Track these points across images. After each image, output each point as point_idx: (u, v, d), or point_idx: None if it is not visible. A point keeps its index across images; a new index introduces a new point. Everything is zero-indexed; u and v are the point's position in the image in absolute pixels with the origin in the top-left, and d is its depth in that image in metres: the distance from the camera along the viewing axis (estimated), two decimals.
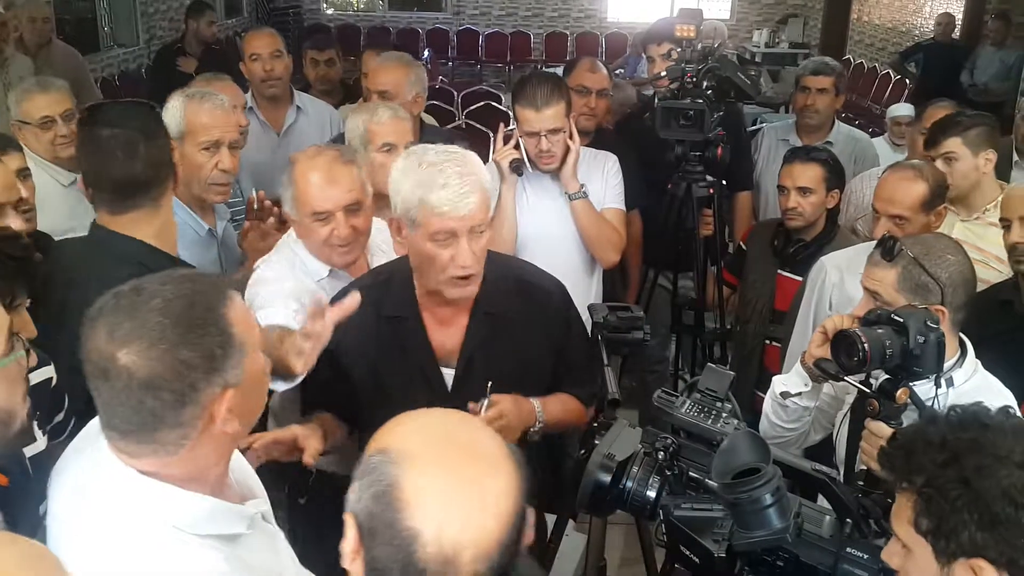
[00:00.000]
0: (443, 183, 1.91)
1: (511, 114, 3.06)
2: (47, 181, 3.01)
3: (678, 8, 3.32)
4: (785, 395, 2.12)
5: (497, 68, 13.59)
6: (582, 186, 2.99)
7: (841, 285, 2.77)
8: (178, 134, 2.54)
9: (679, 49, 3.16)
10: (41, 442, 1.82)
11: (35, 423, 1.81)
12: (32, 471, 1.65)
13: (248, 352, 1.28)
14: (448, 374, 2.11)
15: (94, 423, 1.31)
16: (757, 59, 11.51)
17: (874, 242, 2.21)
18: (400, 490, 1.02)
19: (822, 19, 13.15)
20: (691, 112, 3.06)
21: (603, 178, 3.11)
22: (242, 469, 1.51)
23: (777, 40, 13.03)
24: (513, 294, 2.12)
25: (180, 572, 1.25)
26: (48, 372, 1.91)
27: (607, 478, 1.56)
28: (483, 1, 14.19)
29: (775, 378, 2.25)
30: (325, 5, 14.49)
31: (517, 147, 2.95)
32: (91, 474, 1.28)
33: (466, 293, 2.03)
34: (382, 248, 2.45)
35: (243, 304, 1.33)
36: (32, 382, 1.83)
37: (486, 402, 1.93)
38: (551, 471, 3.20)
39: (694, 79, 3.10)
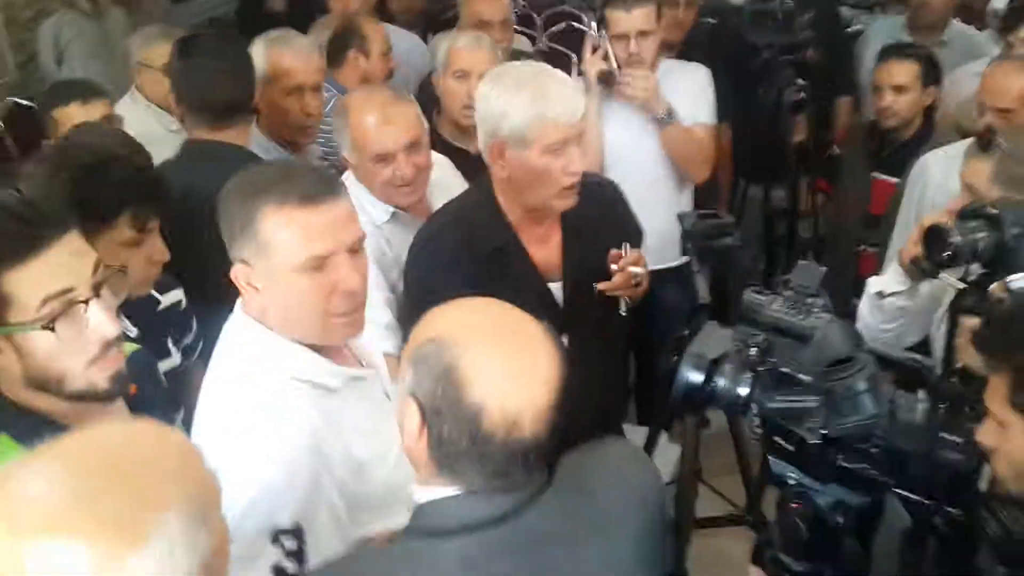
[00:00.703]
0: (552, 95, 1.97)
1: (596, 31, 3.04)
2: (154, 127, 3.15)
3: None
4: (881, 294, 2.11)
5: None
6: (669, 109, 2.95)
7: (944, 183, 2.70)
8: (263, 78, 2.62)
9: None
10: (176, 357, 1.98)
11: (169, 340, 1.96)
12: (168, 383, 1.80)
13: (275, 257, 1.48)
14: (555, 288, 2.16)
15: None
16: None
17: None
18: (460, 370, 1.13)
19: None
20: (780, 14, 3.00)
21: (694, 92, 3.06)
22: (367, 347, 1.71)
23: None
24: (583, 198, 2.14)
25: (266, 400, 1.48)
26: (178, 295, 2.06)
27: (699, 377, 1.59)
28: None
29: (871, 278, 2.24)
30: None
31: (606, 58, 2.92)
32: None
33: (572, 202, 2.09)
34: (441, 184, 2.46)
35: (296, 219, 1.47)
36: (164, 304, 1.98)
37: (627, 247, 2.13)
38: (641, 386, 3.27)
39: None
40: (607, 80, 2.92)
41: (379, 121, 2.25)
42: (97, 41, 5.27)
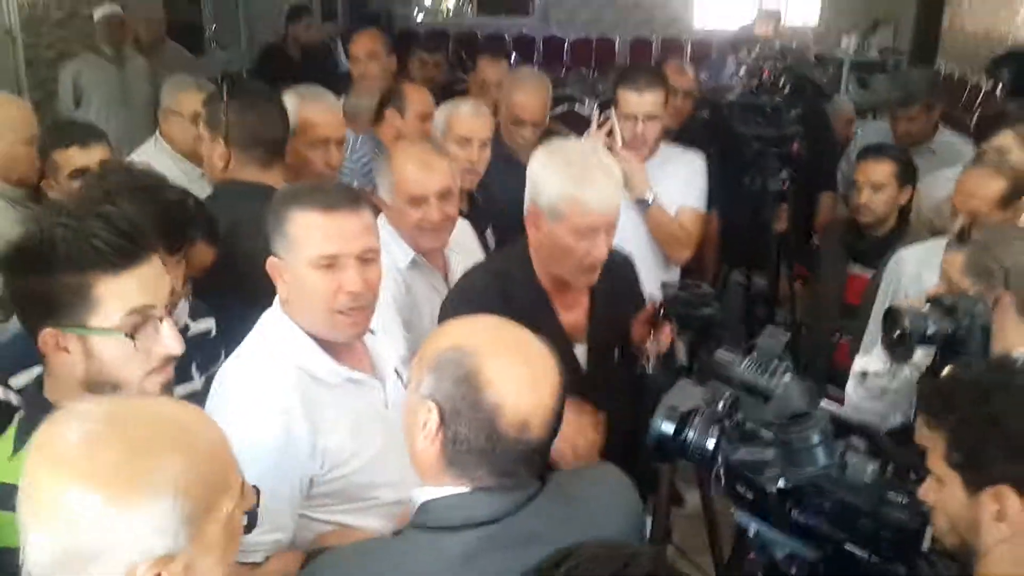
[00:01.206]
0: (593, 182, 2.06)
1: (593, 117, 3.21)
2: (176, 174, 3.26)
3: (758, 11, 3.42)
4: (865, 374, 2.24)
5: (581, 74, 13.75)
6: (651, 193, 3.08)
7: (918, 278, 2.84)
8: (291, 130, 2.76)
9: (757, 48, 3.30)
10: (197, 383, 2.09)
11: (194, 365, 2.08)
12: None
13: (298, 252, 1.74)
14: (579, 352, 2.29)
15: None
16: (845, 65, 11.44)
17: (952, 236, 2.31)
18: (481, 374, 1.28)
19: (913, 25, 12.94)
20: (767, 108, 3.19)
21: (688, 177, 3.21)
22: (387, 358, 1.92)
23: (867, 46, 12.88)
24: (611, 270, 2.28)
25: (257, 375, 1.72)
26: (209, 324, 2.18)
27: (671, 428, 1.72)
28: (569, 7, 14.38)
29: (857, 358, 2.38)
30: (416, 10, 14.88)
31: (610, 134, 3.08)
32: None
33: (590, 281, 2.21)
34: (459, 242, 2.62)
35: (318, 222, 1.73)
36: (193, 331, 2.11)
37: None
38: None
39: (771, 77, 3.23)
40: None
41: (418, 167, 2.44)
42: (117, 86, 5.47)
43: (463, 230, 2.70)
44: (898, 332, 1.81)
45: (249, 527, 1.53)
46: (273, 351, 1.77)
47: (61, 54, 6.68)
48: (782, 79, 3.24)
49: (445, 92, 4.83)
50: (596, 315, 2.30)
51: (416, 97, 3.50)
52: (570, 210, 2.06)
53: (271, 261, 1.78)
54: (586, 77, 13.45)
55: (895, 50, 12.82)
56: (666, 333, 2.27)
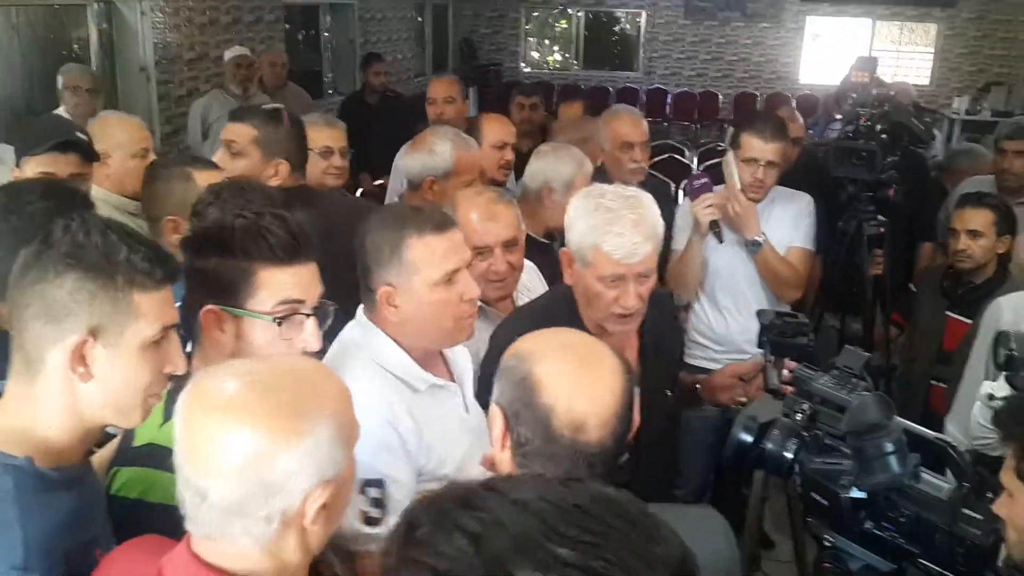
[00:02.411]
0: (619, 232, 1.99)
1: (693, 166, 3.30)
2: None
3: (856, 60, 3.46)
4: (991, 396, 2.27)
5: (683, 126, 13.87)
6: (763, 235, 3.15)
7: (1016, 325, 2.82)
8: (444, 173, 2.99)
9: (854, 95, 3.36)
10: None
11: None
12: None
13: (418, 274, 1.82)
14: None
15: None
16: (957, 126, 11.22)
17: None
18: (534, 376, 1.33)
19: None
20: (863, 152, 3.23)
21: (796, 217, 3.26)
22: (463, 366, 2.03)
23: (979, 108, 12.61)
24: (658, 310, 2.26)
25: (367, 383, 1.77)
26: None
27: (749, 438, 1.79)
28: (674, 62, 14.55)
29: (984, 382, 2.40)
30: (523, 64, 15.30)
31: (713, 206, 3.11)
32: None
33: (626, 330, 2.13)
34: (528, 287, 2.63)
35: (435, 244, 1.84)
36: None
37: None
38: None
39: (868, 122, 3.28)
40: (717, 235, 3.12)
41: (483, 216, 2.39)
42: None
43: (530, 271, 2.69)
44: (1006, 355, 1.86)
45: (380, 521, 1.69)
46: (368, 361, 1.86)
47: (191, 91, 7.18)
48: (878, 125, 3.27)
49: (543, 133, 5.05)
50: (646, 358, 2.23)
51: (492, 127, 3.61)
52: (594, 258, 2.03)
53: (383, 290, 1.84)
54: (688, 128, 13.58)
55: (1008, 112, 12.53)
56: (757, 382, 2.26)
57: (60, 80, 4.77)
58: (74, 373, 1.28)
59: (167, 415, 1.53)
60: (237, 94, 5.90)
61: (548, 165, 3.11)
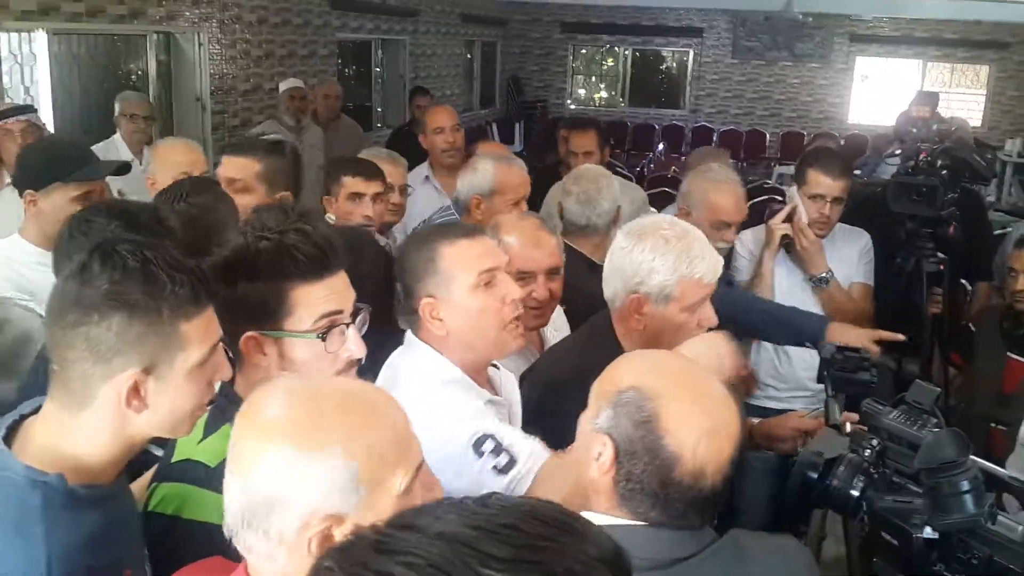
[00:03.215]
0: (700, 255, 2.02)
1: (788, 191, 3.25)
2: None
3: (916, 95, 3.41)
4: None
5: (729, 163, 13.81)
6: (829, 271, 3.15)
7: None
8: (488, 191, 2.99)
9: (914, 130, 3.30)
10: None
11: None
12: None
13: (455, 280, 1.82)
14: None
15: None
16: (1010, 168, 11.03)
17: None
18: (661, 420, 1.29)
19: None
20: (924, 187, 3.18)
21: (857, 254, 3.28)
22: (510, 387, 2.01)
23: None
24: None
25: (431, 395, 1.78)
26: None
27: (814, 474, 1.74)
28: (720, 100, 14.55)
29: None
30: (569, 100, 15.39)
31: (789, 219, 3.14)
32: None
33: None
34: (554, 320, 2.57)
35: (466, 248, 1.85)
36: None
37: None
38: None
39: (928, 158, 3.22)
40: (788, 246, 3.13)
41: (528, 242, 2.36)
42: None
43: (557, 310, 2.65)
44: None
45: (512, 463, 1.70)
46: (425, 377, 1.83)
47: (244, 122, 7.32)
48: (939, 160, 3.21)
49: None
50: None
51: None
52: (683, 290, 2.01)
53: (424, 302, 1.83)
54: (734, 166, 13.51)
55: None
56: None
57: (117, 107, 4.88)
58: (129, 408, 1.27)
59: (207, 431, 1.53)
60: (291, 125, 5.98)
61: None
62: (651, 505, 1.31)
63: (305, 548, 1.07)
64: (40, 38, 5.58)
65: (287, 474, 1.07)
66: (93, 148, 4.66)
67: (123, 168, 2.93)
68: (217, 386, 1.51)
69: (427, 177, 4.23)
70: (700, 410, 1.31)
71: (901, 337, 2.63)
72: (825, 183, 3.10)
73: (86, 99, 6.45)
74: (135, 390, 1.27)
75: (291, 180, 2.75)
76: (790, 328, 2.81)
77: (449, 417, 1.75)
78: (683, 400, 1.32)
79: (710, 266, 2.04)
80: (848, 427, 2.18)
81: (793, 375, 3.22)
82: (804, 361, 3.15)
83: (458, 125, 4.34)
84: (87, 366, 1.25)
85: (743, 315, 2.75)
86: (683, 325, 2.05)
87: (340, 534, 1.09)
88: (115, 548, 1.31)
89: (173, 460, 1.54)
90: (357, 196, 3.12)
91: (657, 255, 2.02)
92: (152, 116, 5.10)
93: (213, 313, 1.36)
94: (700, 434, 1.29)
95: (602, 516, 1.34)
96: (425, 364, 1.85)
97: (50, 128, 5.68)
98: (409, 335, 1.92)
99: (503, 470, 1.70)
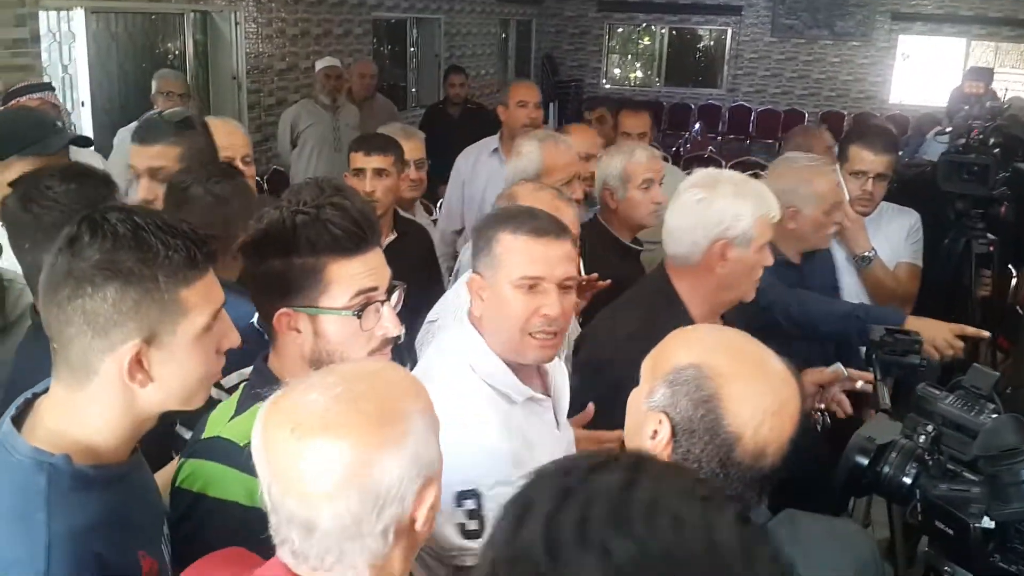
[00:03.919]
0: (767, 193, 2.16)
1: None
2: None
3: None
4: None
5: (767, 144, 13.63)
6: (873, 250, 3.08)
7: None
8: (535, 174, 2.90)
9: (966, 106, 3.21)
10: None
11: None
12: None
13: (502, 270, 1.78)
14: None
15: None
16: None
17: None
18: (722, 400, 1.26)
19: None
20: (975, 166, 3.09)
21: (905, 233, 3.20)
22: (560, 380, 1.94)
23: None
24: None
25: (462, 389, 1.74)
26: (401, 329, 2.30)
27: (865, 460, 1.68)
28: (759, 80, 14.33)
29: None
30: (604, 80, 15.25)
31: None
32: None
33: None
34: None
35: (516, 245, 1.79)
36: None
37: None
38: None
39: (980, 135, 3.13)
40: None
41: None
42: (329, 131, 5.92)
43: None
44: None
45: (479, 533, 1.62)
46: (464, 368, 1.81)
47: (280, 101, 7.32)
48: (992, 138, 3.12)
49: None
50: None
51: (577, 137, 3.52)
52: (760, 230, 2.12)
53: (473, 278, 1.83)
54: (772, 147, 13.32)
55: None
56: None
57: (154, 84, 4.89)
58: (133, 381, 1.23)
59: (239, 409, 1.51)
60: (326, 103, 5.97)
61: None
62: None
63: (411, 528, 1.10)
64: (78, 16, 5.59)
65: (389, 463, 1.06)
66: (132, 125, 4.76)
67: (80, 140, 2.84)
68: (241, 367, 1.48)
69: (495, 149, 4.16)
70: (762, 389, 1.28)
71: (986, 334, 2.57)
72: (867, 158, 3.02)
73: (123, 77, 6.47)
74: (138, 362, 1.23)
75: (211, 153, 2.53)
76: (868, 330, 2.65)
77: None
78: (745, 379, 1.28)
79: (775, 203, 2.16)
80: (860, 384, 2.31)
81: None
82: None
83: (540, 103, 4.28)
84: (86, 341, 1.21)
85: (824, 325, 2.65)
86: (755, 266, 2.16)
87: (434, 494, 1.12)
88: (129, 530, 1.28)
89: (203, 436, 1.52)
90: (358, 172, 3.11)
91: (738, 199, 2.11)
92: (188, 94, 5.10)
93: (214, 277, 1.32)
94: (762, 414, 1.26)
95: None
96: (467, 353, 1.82)
97: (87, 106, 5.74)
98: (463, 312, 1.90)
99: (469, 535, 1.65)
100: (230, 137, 2.93)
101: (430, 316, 2.44)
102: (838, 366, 2.37)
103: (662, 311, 2.16)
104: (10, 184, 1.97)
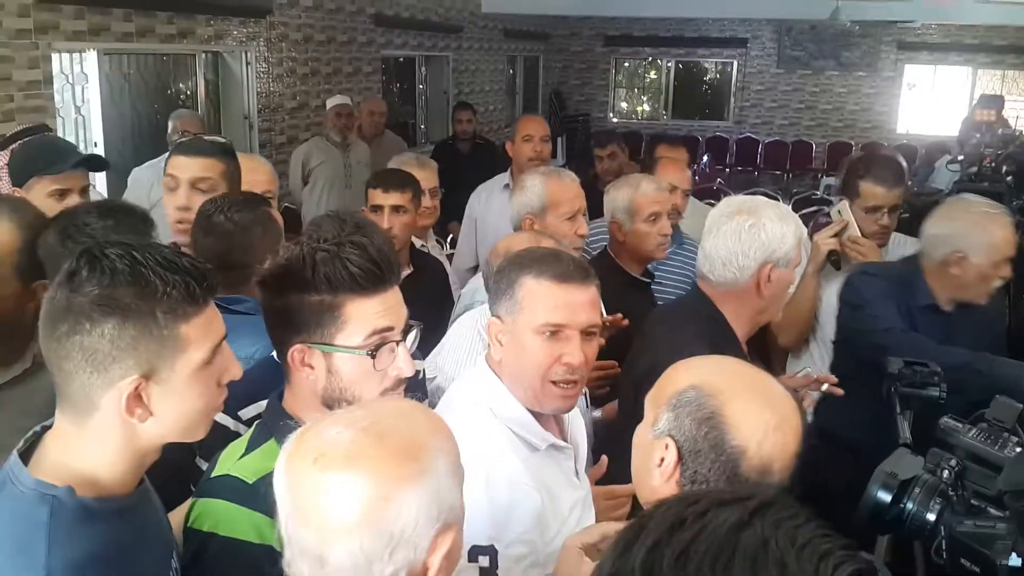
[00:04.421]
0: (797, 218, 2.26)
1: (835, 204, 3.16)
2: None
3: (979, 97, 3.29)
4: None
5: (775, 175, 13.65)
6: None
7: None
8: (540, 208, 2.91)
9: (978, 135, 3.21)
10: None
11: None
12: None
13: (523, 313, 1.74)
14: None
15: None
16: None
17: None
18: (726, 417, 1.28)
19: None
20: (988, 194, 3.07)
21: None
22: (578, 428, 1.91)
23: None
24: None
25: (483, 438, 1.67)
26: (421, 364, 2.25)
27: (888, 497, 1.65)
28: (765, 111, 14.39)
29: None
30: (611, 114, 15.33)
31: (837, 235, 3.02)
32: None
33: None
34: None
35: (545, 291, 1.74)
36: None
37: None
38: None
39: (993, 163, 3.12)
40: (836, 263, 3.02)
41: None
42: (340, 168, 5.95)
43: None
44: None
45: None
46: (485, 414, 1.75)
47: (291, 139, 7.38)
48: (1004, 166, 3.11)
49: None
50: None
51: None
52: (797, 252, 2.20)
53: (492, 322, 1.79)
54: (780, 178, 13.34)
55: None
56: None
57: (171, 124, 4.95)
58: (132, 416, 1.22)
59: (250, 446, 1.50)
60: (337, 141, 6.01)
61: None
62: None
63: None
64: (91, 58, 5.65)
65: (405, 503, 1.04)
66: (147, 164, 4.80)
67: (95, 161, 2.88)
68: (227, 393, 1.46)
69: (507, 185, 4.15)
70: (763, 405, 1.31)
71: None
72: (879, 193, 2.99)
73: (136, 117, 6.53)
74: (137, 397, 1.22)
75: (241, 181, 2.67)
76: (996, 385, 2.37)
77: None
78: (745, 396, 1.31)
79: (801, 226, 2.27)
80: (825, 387, 2.43)
81: None
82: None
83: (547, 136, 4.29)
84: (85, 376, 1.20)
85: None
86: (789, 285, 2.28)
87: (451, 543, 1.09)
88: (133, 563, 1.26)
89: (213, 474, 1.51)
90: (376, 208, 3.12)
91: (783, 223, 2.18)
92: (205, 134, 5.15)
93: (215, 311, 1.31)
94: (765, 428, 1.28)
95: None
96: (488, 399, 1.77)
97: (100, 146, 5.78)
98: (482, 360, 1.86)
99: None
100: (252, 173, 2.96)
101: (428, 374, 2.39)
102: (807, 370, 2.47)
103: (717, 336, 2.19)
104: (51, 219, 2.00)
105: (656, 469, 1.32)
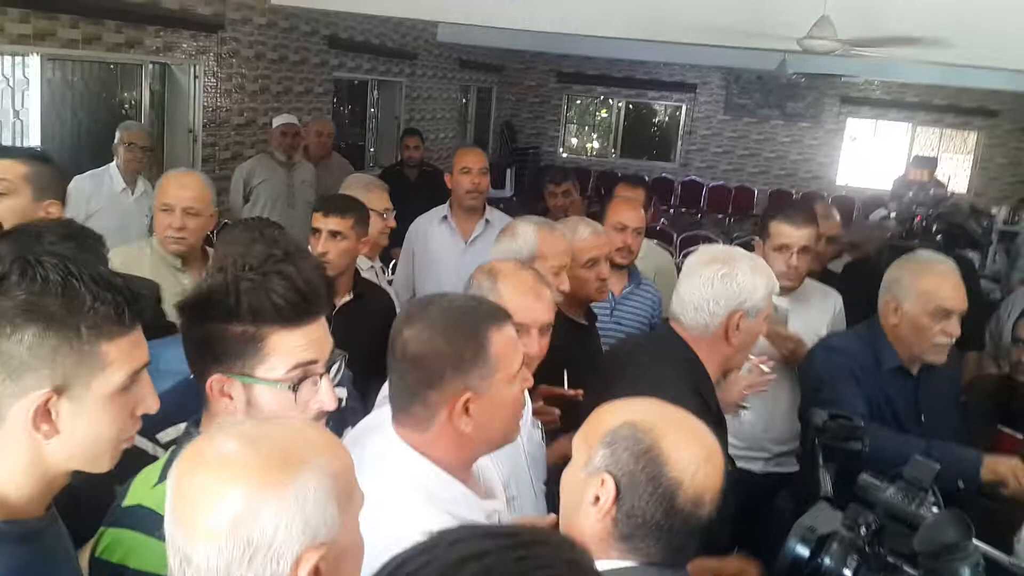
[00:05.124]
0: (771, 270, 2.32)
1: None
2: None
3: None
4: None
5: (717, 219, 13.88)
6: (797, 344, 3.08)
7: None
8: (528, 257, 2.70)
9: (910, 193, 3.29)
10: None
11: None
12: None
13: (499, 371, 1.56)
14: None
15: (385, 409, 1.64)
16: (995, 236, 11.08)
17: None
18: (662, 450, 1.33)
19: None
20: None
21: (825, 312, 3.23)
22: (487, 471, 1.77)
23: (1017, 218, 12.49)
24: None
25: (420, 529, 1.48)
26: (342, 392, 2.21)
27: (806, 551, 1.66)
28: (711, 156, 14.66)
29: None
30: (561, 149, 15.47)
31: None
32: (385, 446, 1.60)
33: None
34: None
35: (512, 335, 1.61)
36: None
37: None
38: None
39: (924, 222, 3.20)
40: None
41: (530, 294, 2.22)
42: (284, 187, 5.89)
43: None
44: None
45: None
46: (422, 501, 1.54)
47: (235, 155, 7.28)
48: (935, 225, 3.19)
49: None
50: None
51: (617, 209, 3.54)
52: (766, 303, 2.26)
53: (463, 399, 1.56)
54: (722, 221, 13.56)
55: None
56: None
57: (117, 135, 4.90)
58: (37, 431, 1.17)
59: (163, 475, 1.43)
60: (281, 160, 5.96)
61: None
62: (655, 539, 1.34)
63: None
64: (34, 63, 5.53)
65: (267, 512, 1.02)
66: (88, 174, 4.72)
67: (36, 154, 2.87)
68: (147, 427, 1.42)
69: (445, 217, 4.15)
70: (692, 439, 1.37)
71: None
72: (789, 232, 3.05)
73: (77, 126, 6.39)
74: (46, 412, 1.17)
75: (61, 192, 2.64)
76: (949, 474, 2.25)
77: None
78: (676, 430, 1.38)
79: (775, 279, 2.32)
80: (763, 367, 2.57)
81: (752, 434, 3.13)
82: (765, 420, 3.11)
83: (486, 169, 4.20)
84: None
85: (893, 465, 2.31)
86: (757, 335, 2.34)
87: (321, 561, 1.04)
88: None
89: (125, 503, 1.45)
90: (315, 231, 3.11)
91: (756, 275, 2.23)
92: (151, 147, 5.16)
93: (142, 337, 1.27)
94: (697, 461, 1.34)
95: (601, 562, 1.29)
96: (415, 485, 1.56)
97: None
98: (392, 436, 1.62)
99: None
100: (181, 189, 2.97)
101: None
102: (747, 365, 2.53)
103: (698, 379, 2.26)
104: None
105: (591, 507, 1.33)
